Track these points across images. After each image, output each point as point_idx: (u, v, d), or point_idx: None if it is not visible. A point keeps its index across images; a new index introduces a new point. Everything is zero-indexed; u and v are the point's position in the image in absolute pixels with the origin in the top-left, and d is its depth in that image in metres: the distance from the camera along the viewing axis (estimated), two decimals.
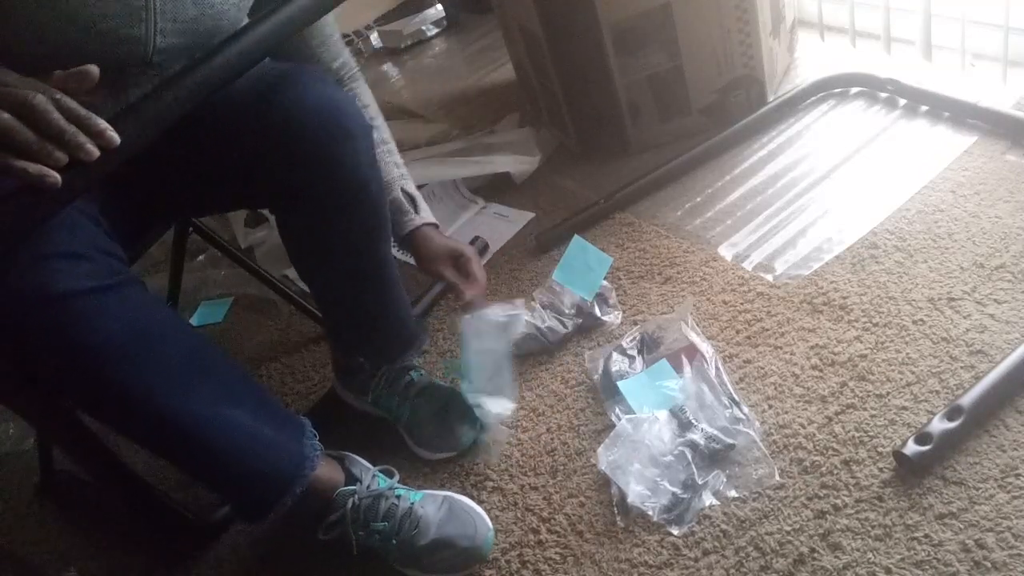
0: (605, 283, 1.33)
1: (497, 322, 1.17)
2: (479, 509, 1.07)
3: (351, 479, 1.02)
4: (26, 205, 0.69)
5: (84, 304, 0.77)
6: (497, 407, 1.16)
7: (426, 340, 1.23)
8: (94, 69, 0.70)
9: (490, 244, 1.60)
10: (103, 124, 0.68)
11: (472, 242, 1.59)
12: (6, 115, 0.64)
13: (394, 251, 1.15)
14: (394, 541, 1.01)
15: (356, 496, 1.00)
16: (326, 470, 1.01)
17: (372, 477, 1.04)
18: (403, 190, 1.17)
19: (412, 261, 1.19)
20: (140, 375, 0.82)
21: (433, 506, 1.05)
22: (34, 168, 0.65)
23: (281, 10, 0.82)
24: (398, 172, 1.18)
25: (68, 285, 0.76)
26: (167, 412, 0.84)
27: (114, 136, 0.68)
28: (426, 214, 1.19)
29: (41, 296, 0.74)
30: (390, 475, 1.07)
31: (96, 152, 0.67)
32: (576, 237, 1.32)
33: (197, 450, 0.89)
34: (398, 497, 1.03)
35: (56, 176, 0.65)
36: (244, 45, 0.80)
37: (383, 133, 1.16)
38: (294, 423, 1.00)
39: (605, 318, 1.31)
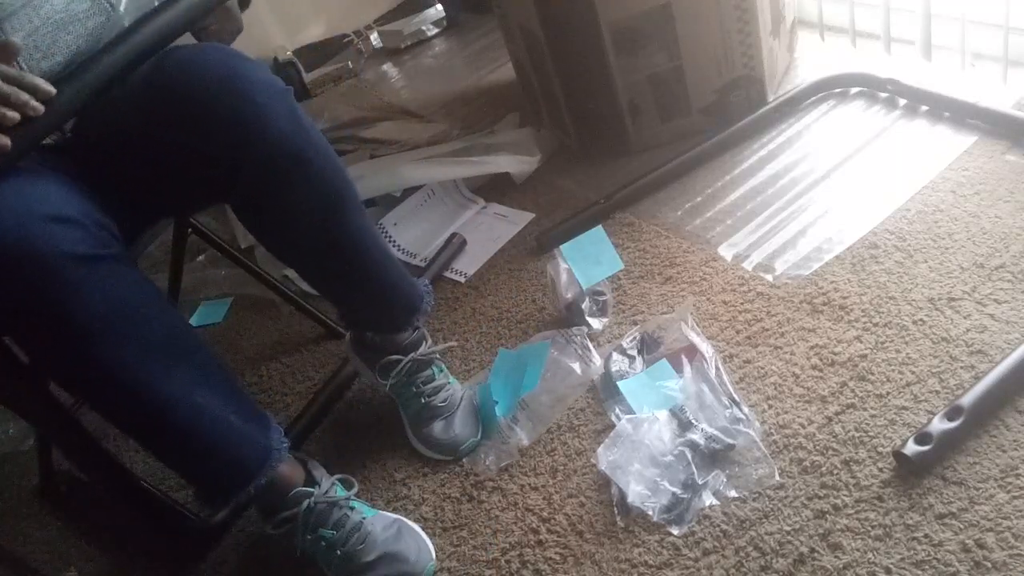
0: (605, 285, 1.33)
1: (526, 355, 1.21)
2: (427, 539, 1.08)
3: (311, 481, 1.03)
4: None
5: (72, 272, 0.77)
6: (520, 432, 1.18)
7: (432, 301, 1.20)
8: (16, 42, 0.78)
9: (489, 244, 1.60)
10: (37, 80, 0.76)
11: (450, 239, 1.59)
12: None
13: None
14: (339, 552, 1.01)
15: (312, 499, 1.01)
16: (288, 467, 1.02)
17: (331, 485, 1.04)
18: None
19: None
20: (118, 351, 0.82)
21: (382, 525, 1.05)
22: None
23: None
24: None
25: (58, 247, 0.76)
26: (140, 390, 0.85)
27: (49, 88, 0.76)
28: None
29: (27, 253, 0.74)
30: (349, 486, 1.07)
31: (41, 108, 0.75)
32: (599, 227, 1.32)
33: (167, 431, 0.90)
34: (352, 509, 1.03)
35: None
36: (172, 14, 0.86)
37: None
38: (262, 417, 1.01)
39: (591, 320, 1.31)
